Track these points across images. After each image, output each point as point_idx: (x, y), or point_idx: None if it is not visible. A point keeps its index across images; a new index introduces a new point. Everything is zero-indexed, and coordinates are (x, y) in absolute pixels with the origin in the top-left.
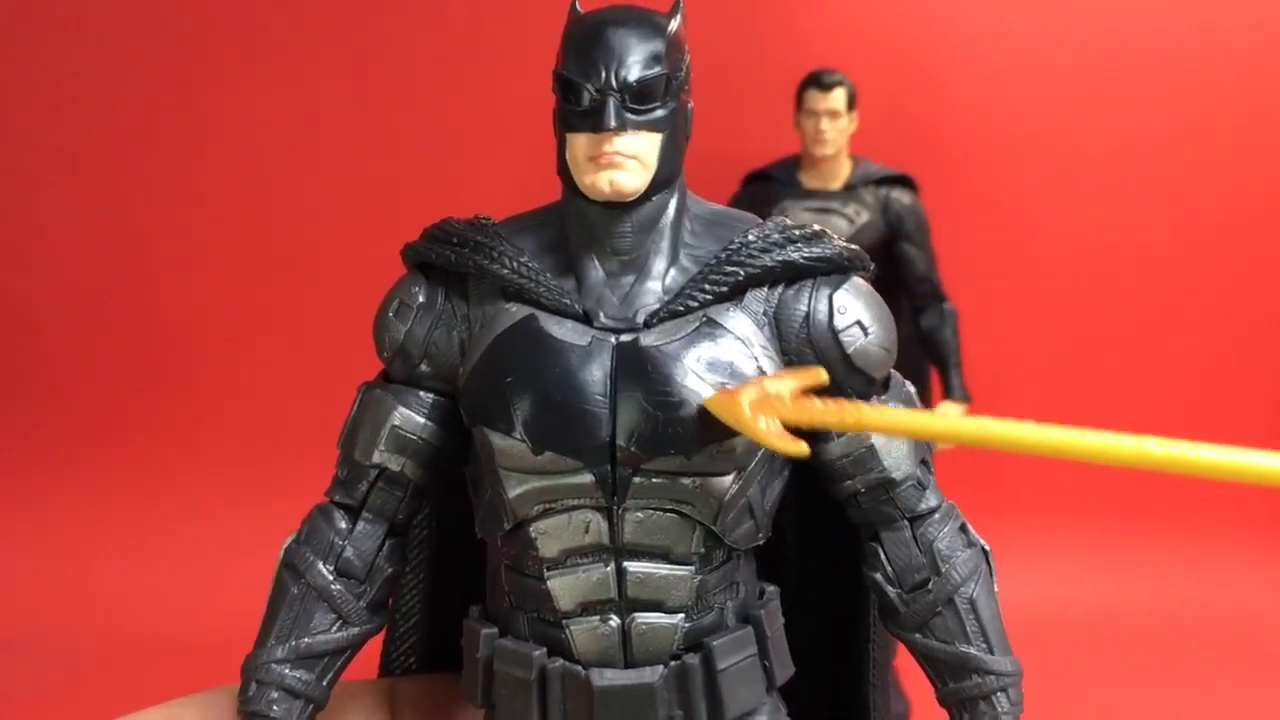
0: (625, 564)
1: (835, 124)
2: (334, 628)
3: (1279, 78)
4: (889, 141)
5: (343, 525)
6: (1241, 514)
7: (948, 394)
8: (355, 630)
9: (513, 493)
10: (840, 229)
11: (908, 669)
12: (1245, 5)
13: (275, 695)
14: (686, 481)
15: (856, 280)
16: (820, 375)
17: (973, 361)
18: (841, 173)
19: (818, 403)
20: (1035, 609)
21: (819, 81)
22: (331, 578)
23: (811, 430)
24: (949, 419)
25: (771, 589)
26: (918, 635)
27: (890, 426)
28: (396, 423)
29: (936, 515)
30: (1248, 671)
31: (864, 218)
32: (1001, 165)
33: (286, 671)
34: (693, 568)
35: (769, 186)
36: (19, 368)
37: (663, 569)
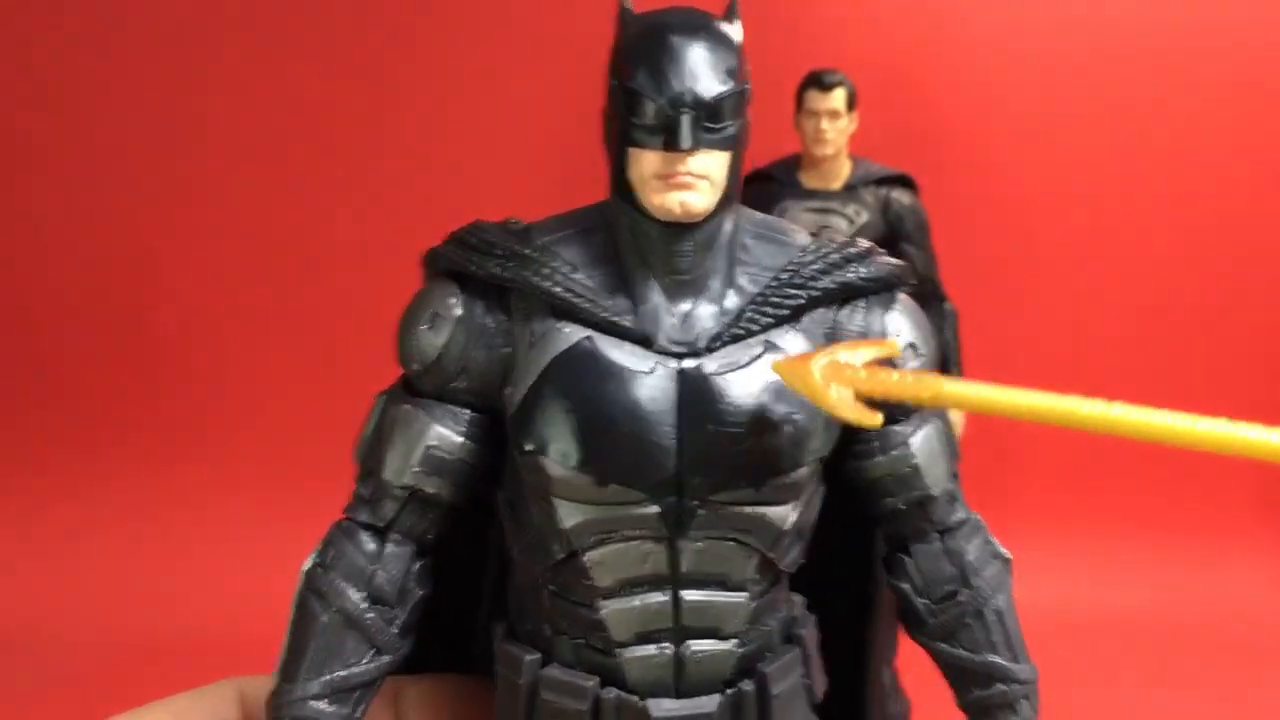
0: (682, 593)
1: (835, 124)
2: (368, 658)
3: (1278, 75)
4: (889, 141)
5: (371, 548)
6: (1243, 515)
7: None
8: (387, 659)
9: (569, 523)
10: (840, 229)
11: (908, 669)
12: (1246, 4)
13: None
14: (749, 511)
15: (904, 299)
16: (894, 347)
17: (973, 361)
18: (841, 173)
19: (893, 373)
20: (1040, 610)
21: (819, 81)
22: (365, 605)
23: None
24: (1038, 394)
25: (798, 598)
26: (944, 644)
27: (969, 401)
28: (432, 443)
29: (966, 528)
30: (1249, 671)
31: (864, 218)
32: (1001, 165)
33: (324, 707)
34: (747, 594)
35: (769, 186)
36: (19, 368)
37: (720, 597)
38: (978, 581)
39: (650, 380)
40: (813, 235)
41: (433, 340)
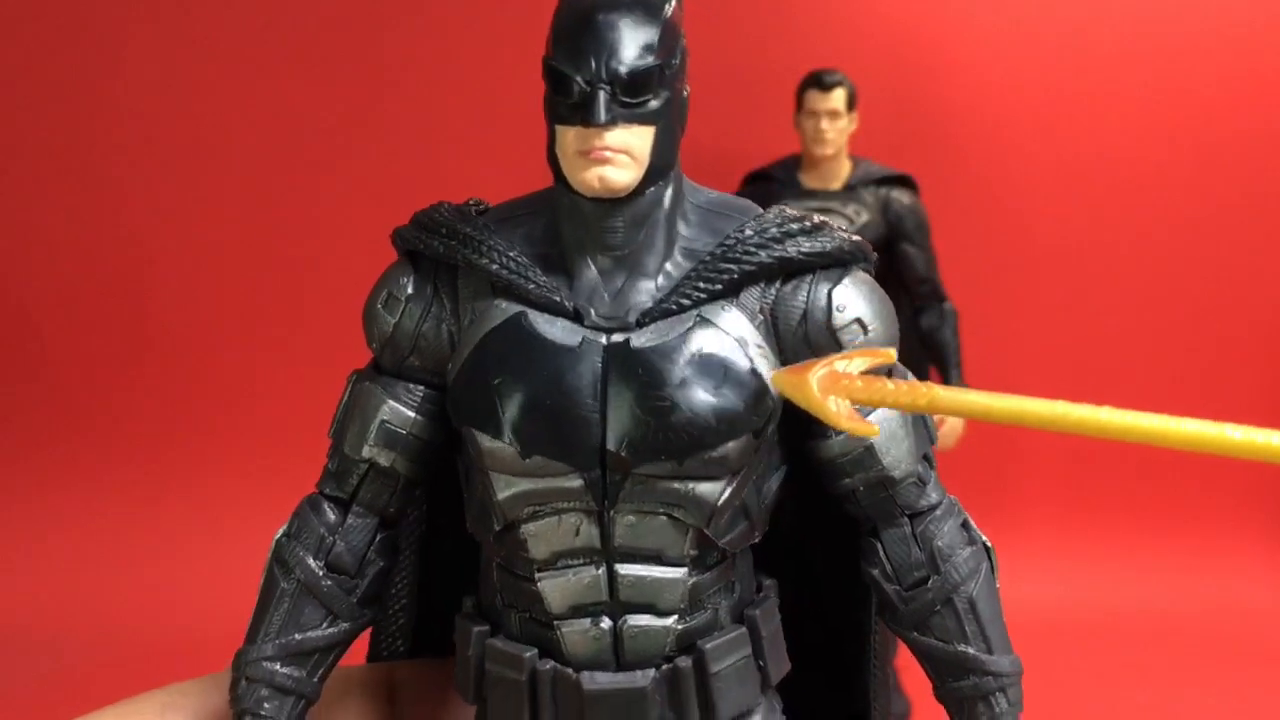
0: (616, 566)
1: (835, 124)
2: (325, 624)
3: (1279, 74)
4: (889, 141)
5: (332, 519)
6: (1243, 515)
7: None
8: (346, 626)
9: (501, 495)
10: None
11: (908, 669)
12: (1247, 4)
13: (265, 693)
14: (678, 486)
15: (857, 274)
16: (889, 355)
17: (973, 361)
18: (841, 173)
19: (889, 383)
20: (1036, 609)
21: (819, 81)
22: (321, 573)
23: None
24: (1031, 401)
25: (769, 583)
26: (916, 633)
27: (966, 408)
28: (385, 417)
29: (938, 512)
30: (1248, 671)
31: (864, 218)
32: (1002, 165)
33: (277, 668)
34: (685, 570)
35: (769, 186)
36: (18, 368)
37: (655, 571)
38: (947, 568)
39: (577, 354)
40: (764, 211)
41: (387, 318)
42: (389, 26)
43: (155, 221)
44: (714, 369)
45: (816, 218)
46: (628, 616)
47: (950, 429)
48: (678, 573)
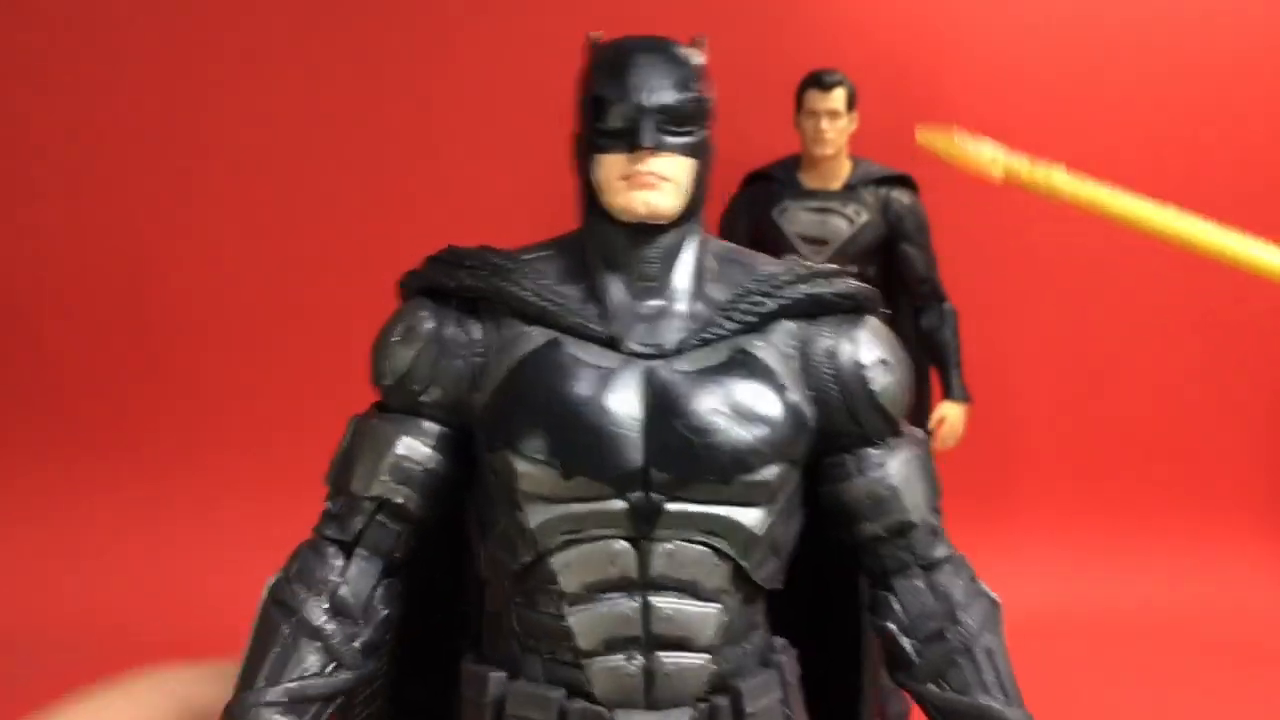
0: (651, 599)
1: (835, 124)
2: (327, 670)
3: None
4: (889, 141)
5: (337, 562)
6: (1243, 515)
7: (947, 394)
8: (348, 675)
9: (535, 521)
10: (840, 229)
11: None
12: (1248, 5)
13: None
14: (719, 512)
15: (875, 321)
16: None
17: (973, 361)
18: (841, 173)
19: (1025, 161)
20: (1036, 609)
21: (819, 81)
22: (325, 617)
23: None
24: (1130, 198)
25: (782, 641)
26: (932, 686)
27: (1088, 198)
28: (401, 451)
29: (949, 565)
30: (1248, 671)
31: (864, 218)
32: None
33: (277, 717)
34: (720, 606)
35: (769, 186)
36: (18, 368)
37: (691, 605)
38: (965, 617)
39: (616, 375)
40: (779, 259)
41: (404, 352)
42: (398, 32)
43: (155, 221)
44: (754, 395)
45: (833, 266)
46: (660, 653)
47: (950, 429)
48: (713, 608)
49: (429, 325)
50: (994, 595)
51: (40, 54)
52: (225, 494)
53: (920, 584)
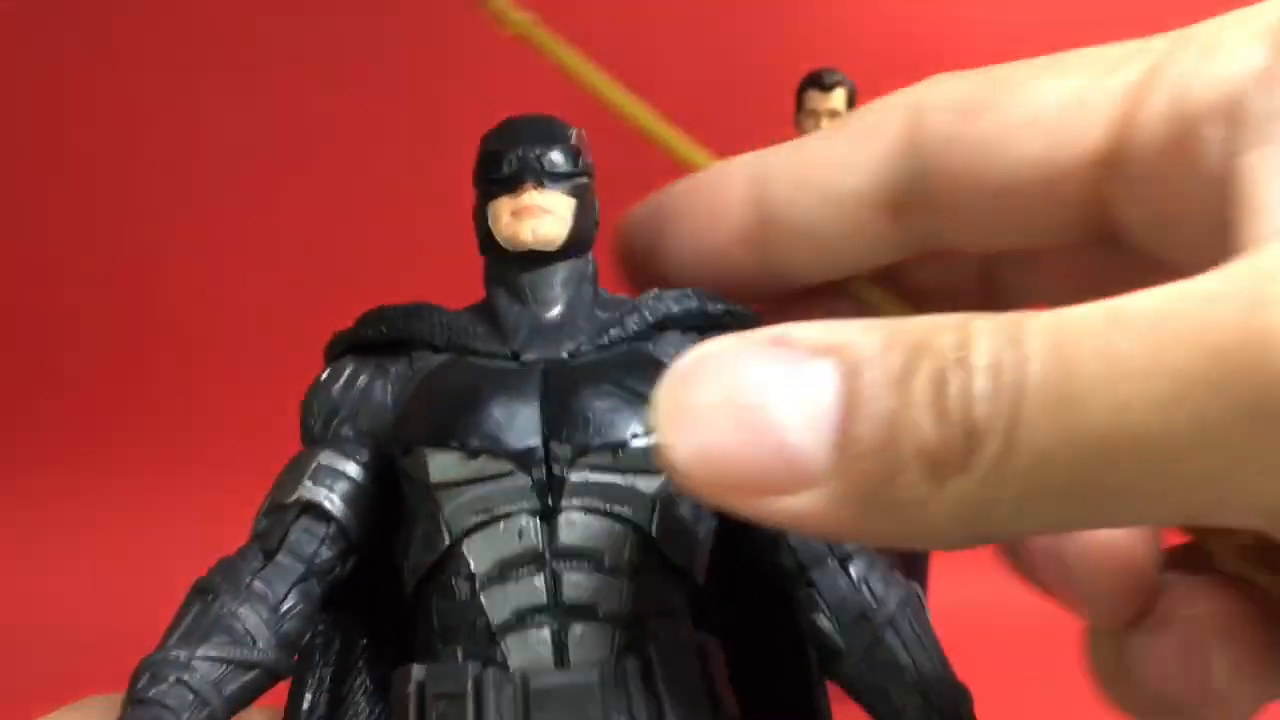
0: (560, 569)
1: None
2: (239, 641)
3: None
4: None
5: (256, 563)
6: None
7: None
8: (259, 652)
9: (449, 507)
10: None
11: None
12: (1247, 3)
13: (171, 687)
14: (619, 481)
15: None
16: None
17: None
18: None
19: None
20: (1036, 609)
21: (819, 81)
22: (238, 602)
23: None
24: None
25: (708, 636)
26: (864, 667)
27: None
28: (324, 462)
29: (863, 557)
30: None
31: None
32: None
33: (184, 668)
34: (630, 579)
35: None
36: (18, 367)
37: (600, 576)
38: (885, 595)
39: (516, 373)
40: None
41: (330, 387)
42: (401, 36)
43: (155, 222)
44: (645, 378)
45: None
46: (573, 623)
47: None
48: (622, 580)
49: (351, 366)
50: (911, 585)
51: (40, 54)
52: (225, 495)
53: (835, 571)
